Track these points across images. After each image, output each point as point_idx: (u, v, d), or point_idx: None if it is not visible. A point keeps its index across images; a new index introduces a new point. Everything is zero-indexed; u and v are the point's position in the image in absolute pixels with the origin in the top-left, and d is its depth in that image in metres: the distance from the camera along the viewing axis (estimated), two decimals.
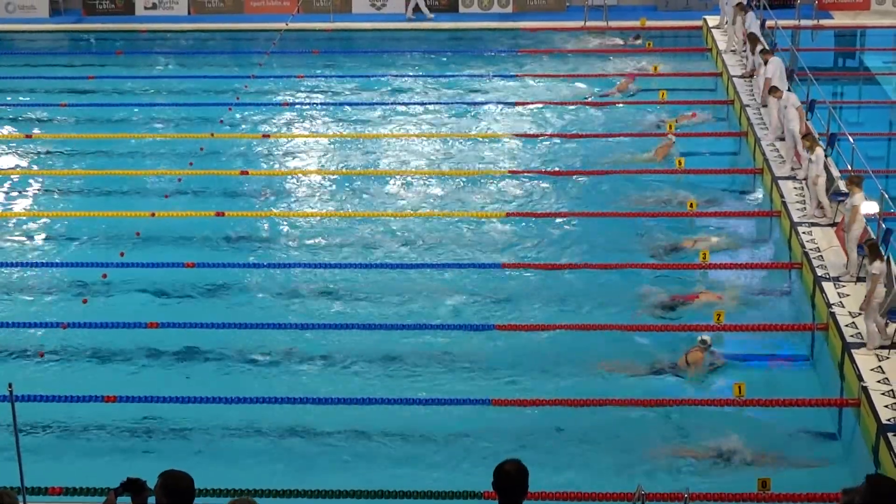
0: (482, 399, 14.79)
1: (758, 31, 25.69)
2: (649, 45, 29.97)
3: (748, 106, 24.17)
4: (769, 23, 26.83)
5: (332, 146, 24.12)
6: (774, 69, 22.64)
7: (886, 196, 17.53)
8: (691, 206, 20.13)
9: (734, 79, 25.92)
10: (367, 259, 18.94)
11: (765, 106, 23.14)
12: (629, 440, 14.09)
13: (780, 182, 20.47)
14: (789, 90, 21.67)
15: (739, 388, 14.68)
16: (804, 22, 30.33)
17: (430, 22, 32.83)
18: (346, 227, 20.15)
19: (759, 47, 24.12)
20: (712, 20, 30.64)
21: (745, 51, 26.74)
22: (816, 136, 19.55)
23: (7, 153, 24.20)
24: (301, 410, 14.62)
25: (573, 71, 28.37)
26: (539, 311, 17.22)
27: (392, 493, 12.85)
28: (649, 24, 31.59)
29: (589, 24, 31.94)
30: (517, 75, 28.25)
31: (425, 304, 17.48)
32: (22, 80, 28.76)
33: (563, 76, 27.93)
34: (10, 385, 11.08)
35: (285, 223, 20.45)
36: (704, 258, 18.26)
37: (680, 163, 21.92)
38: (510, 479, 7.51)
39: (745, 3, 27.21)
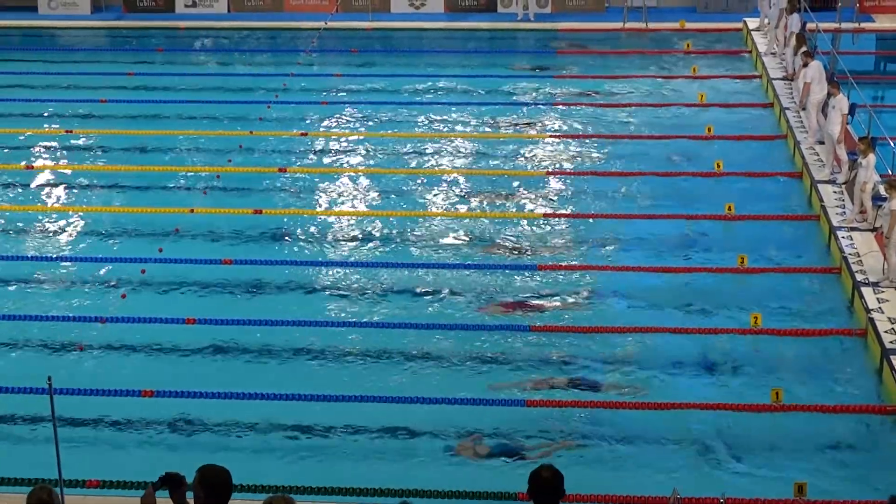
0: (517, 400, 14.78)
1: (805, 33, 25.50)
2: (688, 45, 29.90)
3: (788, 109, 24.05)
4: (810, 25, 26.67)
5: (369, 145, 24.15)
6: (814, 72, 22.51)
7: None
8: (729, 209, 20.04)
9: (774, 81, 25.79)
10: (405, 258, 18.95)
11: (804, 109, 23.01)
12: (665, 443, 14.05)
13: (819, 186, 20.36)
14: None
15: (777, 394, 14.60)
16: (845, 25, 30.09)
17: (532, 22, 32.78)
18: (383, 226, 20.17)
19: (802, 48, 23.97)
20: (752, 22, 30.50)
21: (784, 53, 26.61)
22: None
23: (47, 148, 24.37)
24: (341, 408, 14.62)
25: (614, 72, 28.32)
26: (574, 312, 17.19)
27: (427, 492, 12.82)
28: (689, 26, 31.48)
29: (628, 25, 31.87)
30: (555, 76, 28.22)
31: (463, 303, 17.47)
32: (63, 75, 28.93)
33: (603, 77, 27.89)
34: (49, 378, 11.14)
35: (323, 221, 20.50)
36: (742, 262, 18.18)
37: (718, 165, 21.83)
38: (547, 485, 7.51)
39: (795, 3, 26.93)
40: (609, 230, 19.82)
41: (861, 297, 16.65)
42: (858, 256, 17.76)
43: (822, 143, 21.70)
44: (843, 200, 19.68)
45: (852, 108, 21.37)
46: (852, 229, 18.68)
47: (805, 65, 22.88)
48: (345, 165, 23.18)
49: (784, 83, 25.57)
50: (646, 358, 15.87)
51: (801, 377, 15.42)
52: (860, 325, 16.45)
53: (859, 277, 17.12)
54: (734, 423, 14.40)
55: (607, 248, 19.27)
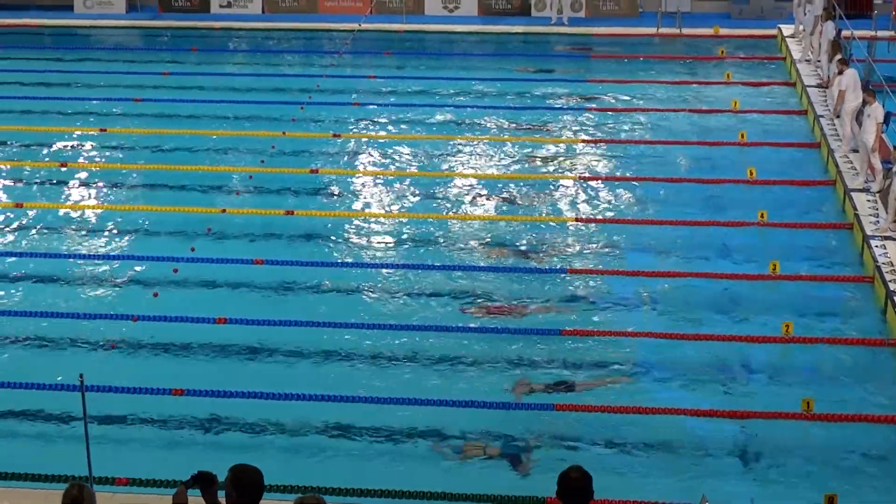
0: (546, 404, 14.76)
1: (840, 40, 25.42)
2: (722, 51, 29.86)
3: (822, 116, 23.95)
4: (845, 33, 26.56)
5: (402, 147, 24.20)
6: (849, 80, 22.42)
7: None
8: (762, 216, 19.98)
9: (808, 89, 25.69)
10: (435, 260, 18.97)
11: (838, 116, 22.92)
12: (694, 449, 14.00)
13: (852, 194, 20.26)
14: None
15: (808, 403, 14.52)
16: (881, 32, 29.96)
17: (565, 26, 32.85)
18: (414, 228, 20.20)
19: (837, 56, 23.87)
20: (787, 29, 30.39)
21: (819, 60, 26.51)
22: None
23: (82, 147, 24.54)
24: (372, 409, 14.60)
25: (647, 77, 28.29)
26: (603, 317, 17.16)
27: (456, 496, 12.81)
28: (723, 32, 31.41)
29: (662, 30, 31.82)
30: (588, 80, 28.20)
31: (492, 306, 17.47)
32: (98, 74, 29.15)
33: (636, 82, 27.86)
34: (80, 376, 11.21)
35: (354, 222, 20.54)
36: (774, 269, 18.11)
37: (751, 173, 21.76)
38: (575, 485, 7.51)
39: (831, 10, 26.84)
40: (640, 235, 19.78)
41: (894, 306, 16.55)
42: (892, 265, 17.65)
43: (856, 151, 21.61)
44: (877, 209, 19.57)
45: (887, 117, 21.25)
46: (886, 238, 18.58)
47: (840, 72, 22.78)
48: (376, 167, 23.23)
49: (818, 91, 25.48)
50: (675, 364, 15.82)
51: (833, 386, 15.33)
52: (893, 335, 16.35)
53: (892, 287, 17.01)
54: (764, 431, 14.32)
55: (638, 253, 19.22)
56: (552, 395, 15.08)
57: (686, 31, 31.73)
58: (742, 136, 23.73)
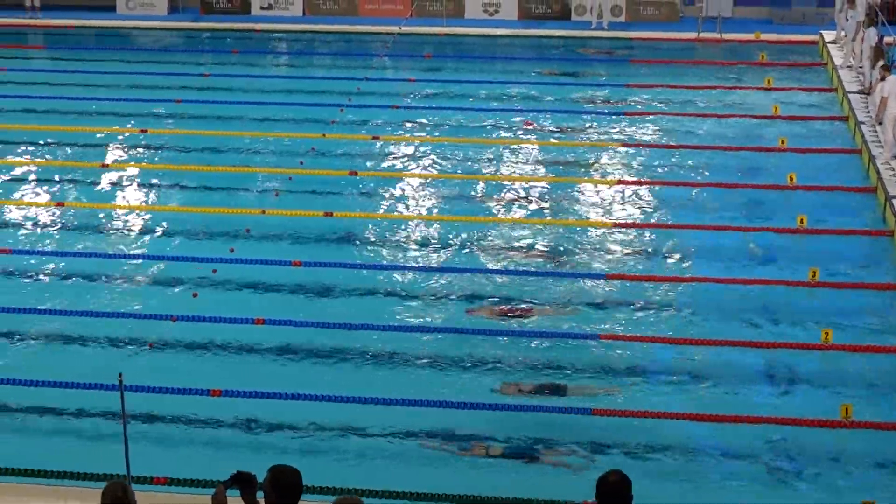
0: (583, 409, 14.72)
1: (882, 46, 25.26)
2: (763, 56, 29.75)
3: (863, 123, 23.80)
4: (888, 39, 26.36)
5: (441, 150, 24.21)
6: (892, 87, 22.26)
7: None
8: (801, 222, 19.87)
9: (849, 95, 25.54)
10: (474, 263, 18.97)
11: (880, 123, 22.77)
12: (730, 457, 13.94)
13: (894, 201, 20.11)
14: None
15: (847, 409, 14.43)
16: None
17: (605, 31, 32.83)
18: (452, 231, 20.20)
19: (880, 62, 23.71)
20: (829, 35, 30.22)
21: (861, 67, 26.35)
22: None
23: (122, 147, 24.70)
24: (409, 412, 14.59)
25: (687, 81, 28.20)
26: (641, 322, 17.11)
27: (492, 499, 12.81)
28: (763, 37, 31.27)
29: (702, 35, 31.72)
30: (627, 85, 28.13)
31: (530, 310, 17.46)
32: (139, 75, 29.34)
33: (675, 87, 27.77)
34: (120, 375, 11.28)
35: (392, 225, 20.58)
36: (814, 276, 18.00)
37: (791, 178, 21.66)
38: (614, 489, 7.52)
39: (873, 16, 26.67)
40: (679, 241, 19.71)
41: None
42: None
43: None
44: None
45: None
46: None
47: (882, 79, 22.63)
48: (415, 170, 23.26)
49: (860, 97, 25.32)
50: (713, 371, 15.76)
51: (872, 394, 15.23)
52: None
53: None
54: (802, 438, 14.23)
55: (676, 258, 19.18)
56: (585, 399, 15.05)
57: (727, 36, 31.62)
58: (782, 141, 23.62)
